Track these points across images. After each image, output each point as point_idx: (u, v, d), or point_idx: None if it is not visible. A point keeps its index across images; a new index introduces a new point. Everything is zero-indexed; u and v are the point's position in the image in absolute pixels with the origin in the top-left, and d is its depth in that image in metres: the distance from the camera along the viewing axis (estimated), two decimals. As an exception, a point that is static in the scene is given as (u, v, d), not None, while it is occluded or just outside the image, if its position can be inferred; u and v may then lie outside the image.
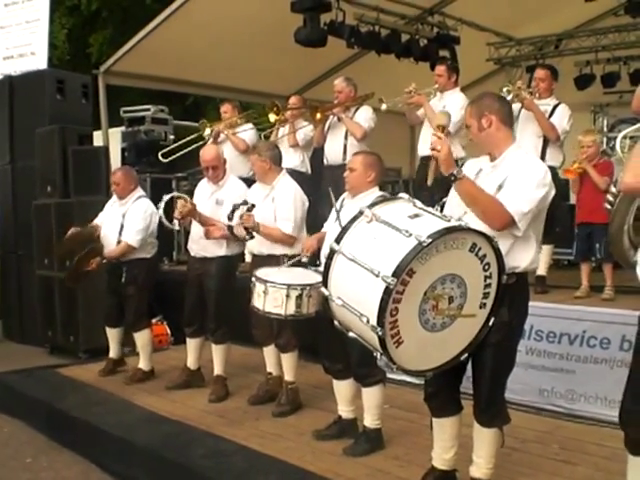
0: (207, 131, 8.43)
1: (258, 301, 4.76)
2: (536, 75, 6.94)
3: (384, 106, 7.27)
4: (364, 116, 7.39)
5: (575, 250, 6.80)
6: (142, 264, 6.76)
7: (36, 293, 8.72)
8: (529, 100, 6.61)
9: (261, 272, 4.91)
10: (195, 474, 4.60)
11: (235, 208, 5.67)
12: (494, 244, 3.38)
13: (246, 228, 5.46)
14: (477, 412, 3.78)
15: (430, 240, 3.13)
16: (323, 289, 3.52)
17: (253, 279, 4.82)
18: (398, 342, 3.28)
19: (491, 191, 3.61)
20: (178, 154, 8.82)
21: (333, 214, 5.00)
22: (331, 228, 4.83)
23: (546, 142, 6.56)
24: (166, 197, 6.36)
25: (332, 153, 7.46)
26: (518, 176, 3.59)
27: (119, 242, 6.69)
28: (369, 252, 3.31)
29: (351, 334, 3.53)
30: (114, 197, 6.98)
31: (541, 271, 6.52)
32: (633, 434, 3.21)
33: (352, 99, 7.49)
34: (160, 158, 9.00)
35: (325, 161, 7.60)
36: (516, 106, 6.61)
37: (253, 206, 5.54)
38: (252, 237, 5.55)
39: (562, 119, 6.61)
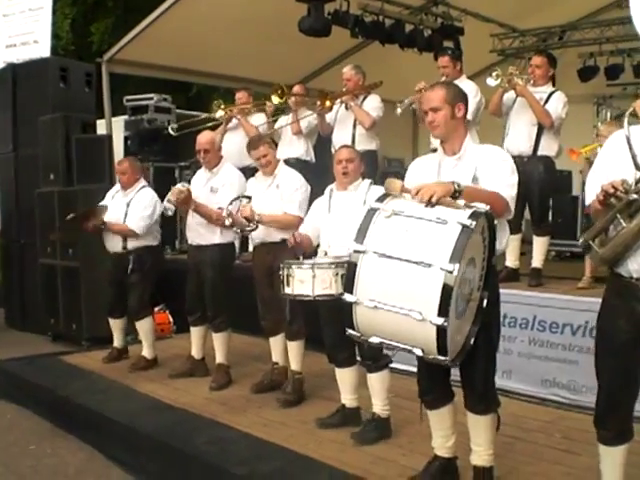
0: (219, 112, 8.34)
1: (303, 288, 4.58)
2: (532, 62, 6.70)
3: (399, 110, 7.21)
4: (372, 105, 7.37)
5: (583, 240, 6.78)
6: (149, 252, 6.80)
7: (39, 281, 8.74)
8: (521, 86, 6.45)
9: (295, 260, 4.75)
10: (199, 461, 4.62)
11: (231, 202, 5.66)
12: (493, 225, 3.42)
13: (247, 219, 5.44)
14: (473, 401, 3.76)
15: (474, 222, 3.11)
16: (347, 296, 3.30)
17: (293, 267, 4.61)
18: None
19: (466, 183, 3.59)
20: (189, 130, 8.73)
21: (317, 211, 5.07)
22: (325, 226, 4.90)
23: (540, 131, 6.44)
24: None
25: (340, 142, 7.38)
26: (492, 165, 3.66)
27: None
28: (407, 245, 3.18)
29: (374, 339, 3.35)
30: (116, 187, 7.02)
31: (537, 263, 6.49)
32: (607, 434, 3.39)
33: (360, 87, 7.47)
34: (170, 131, 8.94)
35: (333, 150, 7.56)
36: (511, 94, 6.59)
37: (249, 199, 5.55)
38: (255, 228, 5.51)
39: (557, 105, 6.43)
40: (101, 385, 6.24)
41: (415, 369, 3.91)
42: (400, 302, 3.16)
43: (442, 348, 3.15)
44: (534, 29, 11.16)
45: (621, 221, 3.08)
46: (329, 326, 4.82)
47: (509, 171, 3.70)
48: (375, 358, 4.68)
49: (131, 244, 6.72)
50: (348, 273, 3.34)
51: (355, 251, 3.26)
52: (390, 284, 3.20)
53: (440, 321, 3.06)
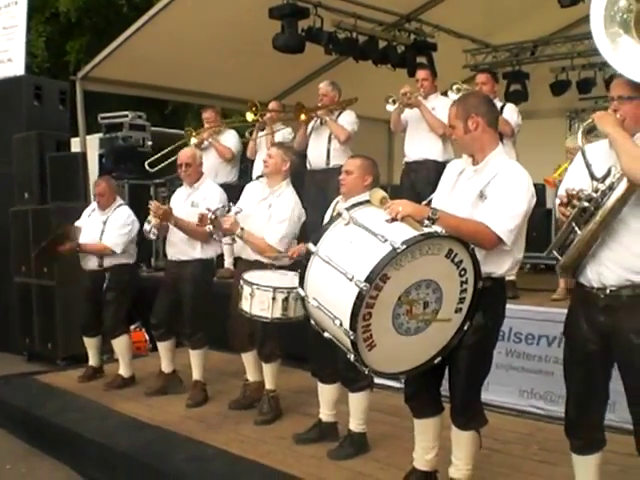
0: (193, 140, 8.34)
1: (245, 304, 4.73)
2: (477, 80, 7.02)
3: (389, 107, 7.18)
4: (347, 119, 7.40)
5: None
6: (125, 270, 6.80)
7: (14, 300, 8.64)
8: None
9: (250, 275, 4.87)
10: (176, 479, 4.59)
11: (223, 207, 5.62)
12: (470, 251, 3.38)
13: (227, 230, 5.41)
14: (454, 415, 3.78)
15: (404, 246, 3.13)
16: (299, 289, 3.53)
17: (241, 282, 4.77)
18: (371, 345, 3.31)
19: (471, 197, 3.59)
20: (165, 163, 8.77)
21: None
22: None
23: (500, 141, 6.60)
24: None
25: (315, 157, 7.46)
26: (502, 189, 3.51)
27: None
28: (344, 255, 3.31)
29: (326, 334, 3.54)
30: (92, 205, 7.00)
31: (511, 276, 6.52)
32: (578, 443, 3.48)
33: (336, 103, 7.50)
34: (146, 167, 8.95)
35: (308, 165, 7.59)
36: None
37: (238, 211, 5.45)
38: (233, 240, 5.52)
39: (512, 114, 6.81)
40: (77, 404, 6.17)
41: (392, 384, 3.93)
42: (331, 307, 3.34)
43: (359, 358, 3.33)
44: (506, 44, 11.24)
45: (576, 229, 3.16)
46: (313, 342, 4.77)
47: (517, 199, 3.50)
48: (354, 379, 4.62)
49: (107, 261, 6.69)
50: (302, 269, 3.52)
51: (308, 251, 3.46)
52: (326, 288, 3.38)
53: (350, 333, 3.20)
